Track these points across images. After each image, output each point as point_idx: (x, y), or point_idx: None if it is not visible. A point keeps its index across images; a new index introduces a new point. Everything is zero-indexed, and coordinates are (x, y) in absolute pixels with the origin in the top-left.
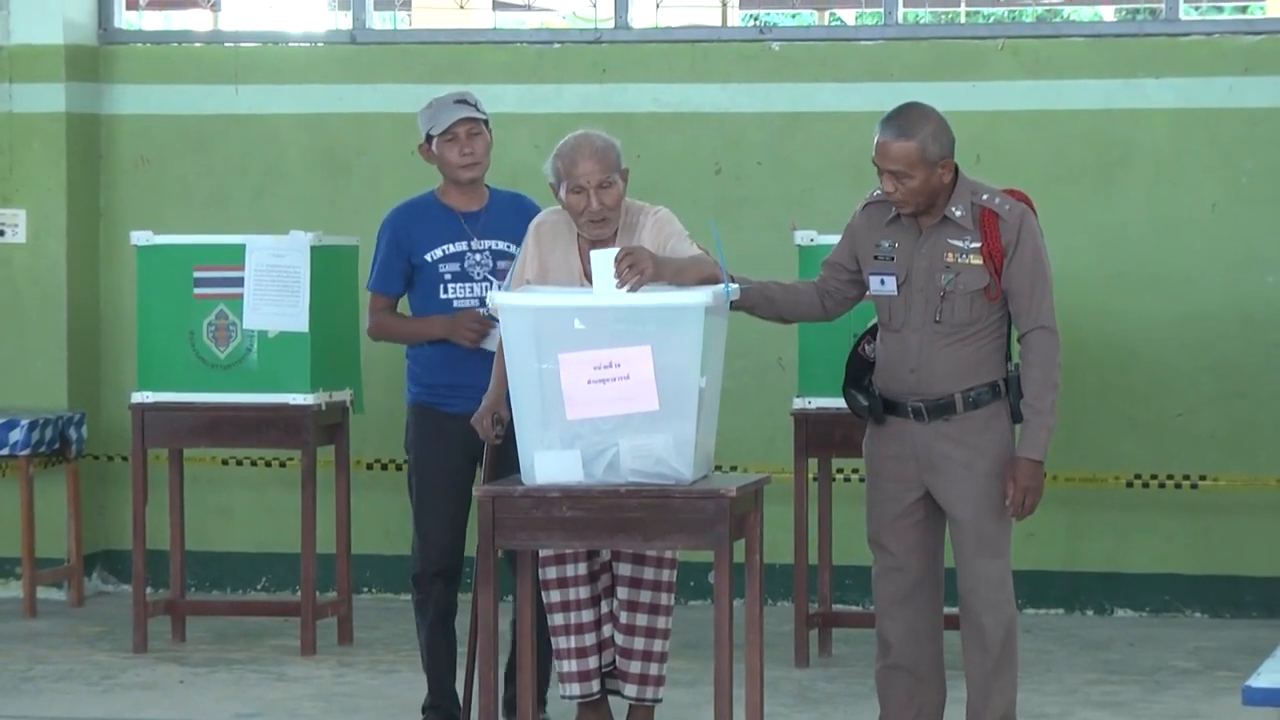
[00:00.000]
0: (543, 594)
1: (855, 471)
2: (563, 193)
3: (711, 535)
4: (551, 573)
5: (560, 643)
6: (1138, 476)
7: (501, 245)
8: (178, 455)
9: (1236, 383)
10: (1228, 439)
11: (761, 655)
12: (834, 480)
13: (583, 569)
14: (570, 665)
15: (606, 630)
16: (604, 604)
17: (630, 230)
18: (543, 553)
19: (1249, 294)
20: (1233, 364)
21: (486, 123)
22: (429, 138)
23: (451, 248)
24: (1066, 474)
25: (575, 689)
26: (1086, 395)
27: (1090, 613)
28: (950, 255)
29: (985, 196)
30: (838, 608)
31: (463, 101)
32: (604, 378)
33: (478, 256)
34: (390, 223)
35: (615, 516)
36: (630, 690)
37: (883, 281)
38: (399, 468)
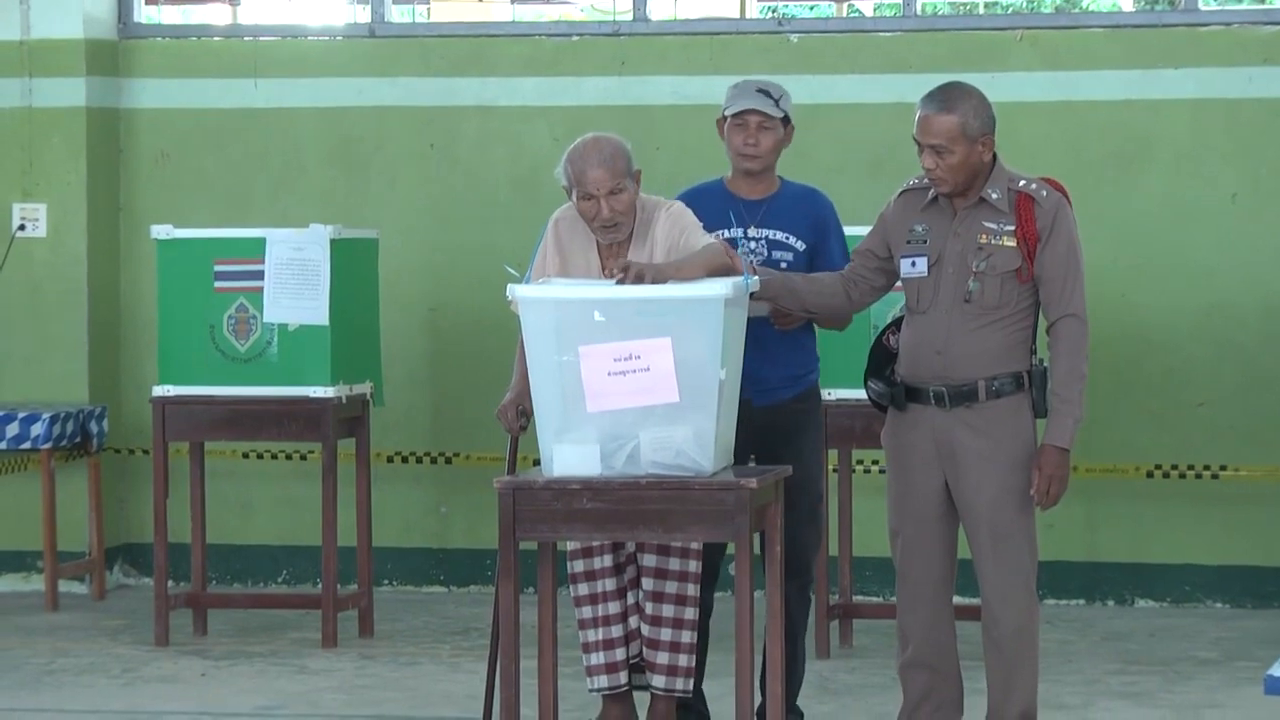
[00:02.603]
0: (570, 587)
1: (875, 463)
2: (574, 197)
3: (731, 527)
4: (579, 566)
5: (589, 635)
6: (1158, 467)
7: (780, 235)
8: (199, 449)
9: (1257, 373)
10: (1248, 429)
11: (783, 646)
12: (854, 472)
13: (608, 561)
14: (599, 658)
15: (632, 622)
16: (629, 596)
17: (646, 227)
18: (570, 546)
19: (1269, 284)
20: (1253, 354)
21: (786, 120)
22: (726, 115)
23: (726, 233)
24: (1087, 465)
25: (603, 681)
26: (1106, 386)
27: (1111, 603)
28: (984, 237)
29: (1023, 183)
30: (858, 599)
31: (764, 92)
32: (624, 370)
33: (752, 244)
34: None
35: (635, 508)
36: (659, 681)
37: (914, 264)
38: (419, 460)
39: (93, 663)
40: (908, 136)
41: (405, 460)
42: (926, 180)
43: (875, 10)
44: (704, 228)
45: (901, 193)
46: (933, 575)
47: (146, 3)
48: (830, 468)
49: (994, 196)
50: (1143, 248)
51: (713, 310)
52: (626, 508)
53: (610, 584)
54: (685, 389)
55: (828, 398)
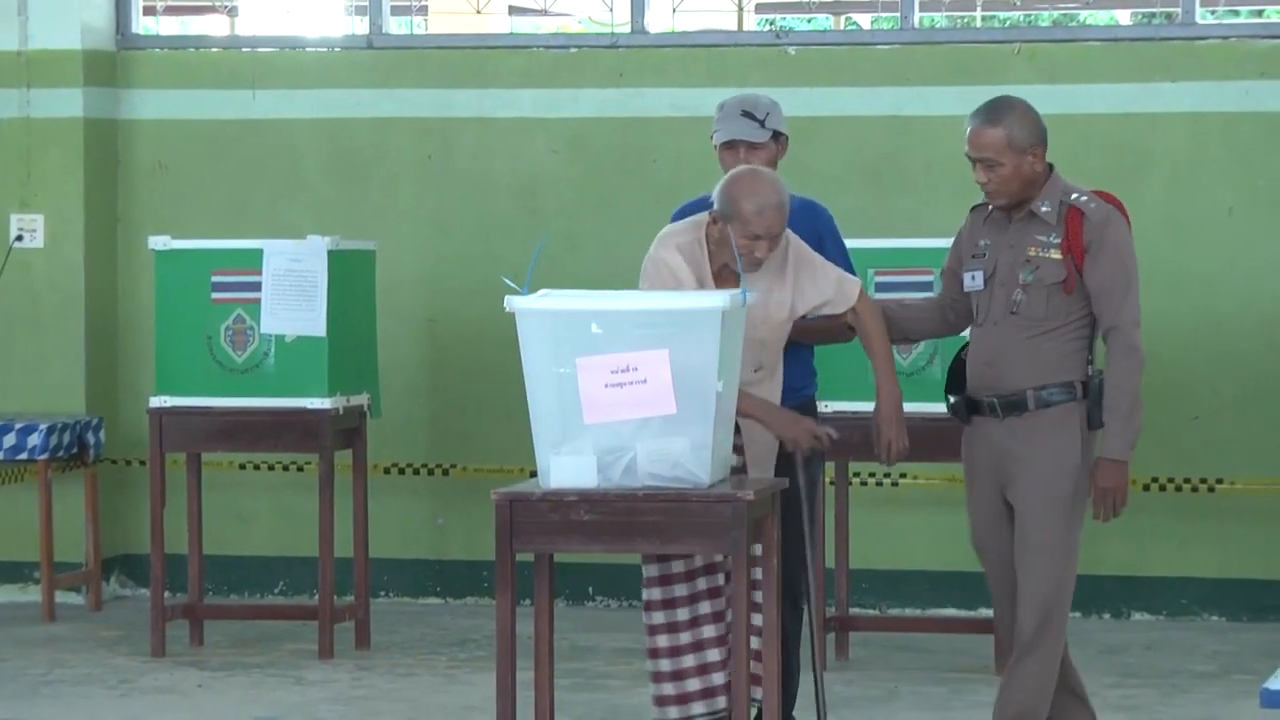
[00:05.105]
0: (645, 615)
1: (872, 475)
2: (727, 228)
3: (728, 539)
4: (656, 594)
5: (660, 665)
6: (1155, 480)
7: None
8: (195, 459)
9: (1255, 386)
10: (1246, 442)
11: (779, 658)
12: (851, 484)
13: (683, 590)
14: (669, 688)
15: (693, 659)
16: (689, 634)
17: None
18: (648, 571)
19: (1267, 297)
20: (1251, 367)
21: (776, 135)
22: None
23: None
24: None
25: (674, 712)
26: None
27: (1108, 616)
28: (1033, 249)
29: (1075, 195)
30: (855, 611)
31: (749, 115)
32: (621, 381)
33: None
34: (674, 218)
35: (632, 520)
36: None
37: (973, 277)
38: (416, 471)
39: (89, 673)
40: (906, 148)
41: (402, 471)
42: None
43: (873, 23)
44: None
45: (972, 209)
46: (1011, 581)
47: (144, 14)
48: (828, 480)
49: (1044, 209)
50: (1140, 260)
51: (710, 322)
52: (623, 520)
53: (684, 614)
54: (682, 401)
55: (825, 410)
